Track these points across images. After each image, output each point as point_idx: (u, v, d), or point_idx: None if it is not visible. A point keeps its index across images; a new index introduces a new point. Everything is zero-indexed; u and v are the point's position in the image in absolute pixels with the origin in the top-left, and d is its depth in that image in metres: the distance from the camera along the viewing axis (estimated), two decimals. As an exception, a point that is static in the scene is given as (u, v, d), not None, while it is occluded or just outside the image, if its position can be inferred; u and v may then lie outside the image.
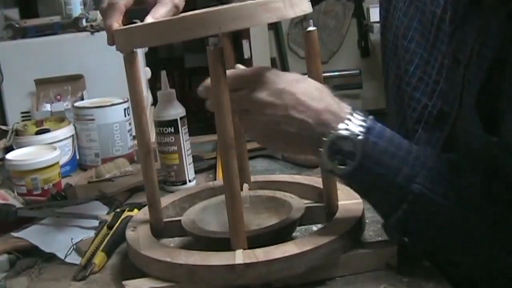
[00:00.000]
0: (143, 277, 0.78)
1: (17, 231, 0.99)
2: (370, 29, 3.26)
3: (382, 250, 0.80)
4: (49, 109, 1.52)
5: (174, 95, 1.13)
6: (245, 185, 0.91)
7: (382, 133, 0.75)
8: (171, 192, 1.09)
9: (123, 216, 0.96)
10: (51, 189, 1.16)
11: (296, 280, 0.76)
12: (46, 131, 1.32)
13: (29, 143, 1.28)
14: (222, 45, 0.74)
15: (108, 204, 1.08)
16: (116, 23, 0.82)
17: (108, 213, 1.03)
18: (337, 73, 3.23)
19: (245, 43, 3.21)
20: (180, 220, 0.89)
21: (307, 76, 0.81)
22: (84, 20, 1.68)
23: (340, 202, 0.87)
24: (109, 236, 0.92)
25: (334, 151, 0.74)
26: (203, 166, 1.26)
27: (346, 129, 0.74)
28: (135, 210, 0.98)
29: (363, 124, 0.75)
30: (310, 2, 0.80)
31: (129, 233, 0.86)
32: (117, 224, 0.95)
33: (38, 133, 1.32)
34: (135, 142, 0.95)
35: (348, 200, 0.87)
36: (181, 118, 1.12)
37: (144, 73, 1.70)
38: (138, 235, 0.85)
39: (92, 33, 1.64)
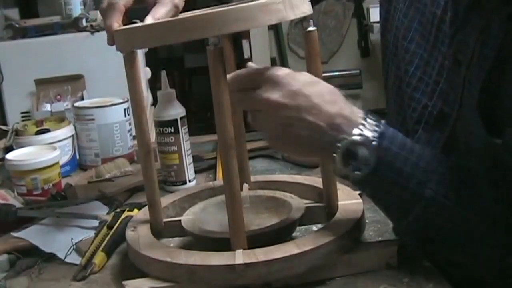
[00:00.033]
0: (143, 277, 0.78)
1: (17, 231, 0.99)
2: (370, 29, 3.26)
3: (382, 250, 0.80)
4: (49, 109, 1.52)
5: (174, 95, 1.13)
6: (245, 185, 0.91)
7: (394, 138, 0.76)
8: (171, 192, 1.10)
9: (123, 216, 0.96)
10: (51, 189, 1.16)
11: (296, 280, 0.76)
12: (46, 131, 1.32)
13: (29, 143, 1.28)
14: (222, 45, 0.74)
15: (108, 204, 1.08)
16: (116, 23, 0.82)
17: (108, 213, 1.03)
18: (337, 73, 3.22)
19: (245, 43, 3.20)
20: (180, 220, 0.89)
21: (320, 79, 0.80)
22: (84, 20, 1.68)
23: (340, 202, 0.87)
24: (109, 236, 0.92)
25: (348, 157, 0.74)
26: (203, 166, 1.26)
27: (360, 135, 0.74)
28: (135, 210, 0.98)
29: (376, 129, 0.75)
30: (310, 3, 0.80)
31: (129, 233, 0.86)
32: (117, 224, 0.95)
33: (38, 133, 1.32)
34: (135, 142, 0.95)
35: (348, 200, 0.87)
36: (181, 118, 1.12)
37: (144, 73, 1.70)
38: (138, 235, 0.85)
39: (92, 33, 1.64)
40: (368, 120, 0.75)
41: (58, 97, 1.55)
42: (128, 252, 0.86)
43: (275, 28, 3.32)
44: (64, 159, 1.29)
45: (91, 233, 0.96)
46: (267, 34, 3.30)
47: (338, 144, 0.74)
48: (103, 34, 0.87)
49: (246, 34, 3.15)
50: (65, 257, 0.91)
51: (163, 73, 1.13)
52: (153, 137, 1.16)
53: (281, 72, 0.77)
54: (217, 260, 0.75)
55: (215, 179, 1.17)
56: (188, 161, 1.14)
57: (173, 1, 0.85)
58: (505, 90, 0.72)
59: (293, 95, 0.75)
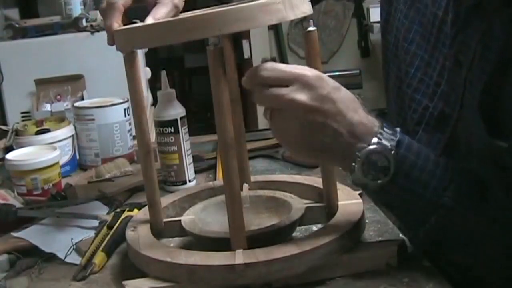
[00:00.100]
0: (143, 277, 0.78)
1: (17, 231, 0.99)
2: (370, 29, 3.26)
3: (382, 250, 0.80)
4: (49, 109, 1.53)
5: (174, 95, 1.13)
6: (245, 185, 0.91)
7: (410, 146, 0.76)
8: (171, 192, 1.09)
9: (123, 216, 0.96)
10: (51, 189, 1.16)
11: (296, 280, 0.76)
12: (46, 131, 1.32)
13: (29, 143, 1.28)
14: (222, 45, 0.74)
15: (108, 204, 1.08)
16: (116, 23, 0.82)
17: (108, 213, 1.03)
18: (337, 73, 3.22)
19: (245, 43, 3.21)
20: (180, 220, 0.89)
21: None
22: (84, 20, 1.69)
23: (340, 202, 0.87)
24: (109, 236, 0.92)
25: (368, 166, 0.74)
26: (203, 166, 1.26)
27: (379, 143, 0.74)
28: (135, 210, 0.98)
29: (393, 138, 0.75)
30: (310, 3, 0.80)
31: (129, 233, 0.86)
32: (117, 224, 0.95)
33: (38, 133, 1.32)
34: (135, 142, 0.95)
35: (348, 200, 0.87)
36: (181, 118, 1.12)
37: (144, 73, 1.70)
38: (138, 235, 0.85)
39: (92, 33, 1.64)
40: (385, 128, 0.75)
41: (58, 97, 1.55)
42: (128, 252, 0.86)
43: (275, 28, 3.32)
44: (64, 159, 1.29)
45: (91, 233, 0.96)
46: (267, 34, 3.31)
47: (358, 153, 0.74)
48: (103, 34, 0.87)
49: (246, 34, 3.16)
50: (65, 257, 0.90)
51: (163, 73, 1.13)
52: (153, 137, 1.16)
53: (311, 73, 0.74)
54: (217, 260, 0.75)
55: (215, 179, 1.17)
56: (188, 161, 1.14)
57: (173, 1, 0.85)
58: (507, 92, 0.72)
59: (322, 99, 0.73)
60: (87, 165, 1.34)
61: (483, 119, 0.74)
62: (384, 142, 0.74)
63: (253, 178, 0.99)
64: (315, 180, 0.95)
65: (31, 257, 0.91)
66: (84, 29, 1.67)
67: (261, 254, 0.74)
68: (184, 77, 4.77)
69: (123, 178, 1.23)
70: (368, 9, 3.29)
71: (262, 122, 3.00)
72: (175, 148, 1.12)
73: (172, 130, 1.11)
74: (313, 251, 0.75)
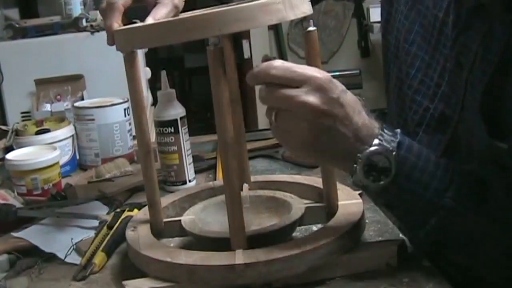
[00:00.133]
0: (143, 277, 0.78)
1: (17, 231, 0.99)
2: (370, 29, 3.26)
3: (382, 250, 0.80)
4: (49, 109, 1.53)
5: (174, 95, 1.13)
6: (245, 185, 0.91)
7: (411, 147, 0.76)
8: (171, 192, 1.09)
9: (123, 216, 0.96)
10: (51, 189, 1.16)
11: (296, 280, 0.76)
12: (46, 131, 1.32)
13: (29, 143, 1.28)
14: (222, 45, 0.74)
15: (108, 204, 1.08)
16: (116, 23, 0.82)
17: (108, 213, 1.03)
18: (337, 73, 3.22)
19: (245, 43, 3.21)
20: (180, 220, 0.89)
21: None
22: (84, 20, 1.69)
23: (340, 202, 0.87)
24: (109, 236, 0.92)
25: (369, 168, 0.74)
26: (203, 166, 1.26)
27: (380, 145, 0.74)
28: (135, 210, 0.98)
29: (394, 139, 0.75)
30: (310, 3, 0.80)
31: (129, 233, 0.86)
32: (117, 224, 0.95)
33: (38, 133, 1.32)
34: (135, 142, 0.95)
35: (348, 200, 0.87)
36: (181, 118, 1.12)
37: (144, 73, 1.70)
38: (138, 235, 0.85)
39: (92, 33, 1.64)
40: (385, 130, 0.75)
41: (58, 97, 1.55)
42: (128, 252, 0.86)
43: (275, 28, 3.32)
44: (64, 159, 1.29)
45: (91, 233, 0.96)
46: (267, 34, 3.31)
47: (359, 155, 0.74)
48: (103, 34, 0.87)
49: (246, 34, 3.16)
50: (65, 257, 0.90)
51: (163, 73, 1.13)
52: (153, 137, 1.16)
53: (322, 75, 0.73)
54: (217, 260, 0.75)
55: (215, 179, 1.17)
56: (188, 161, 1.14)
57: (173, 1, 0.85)
58: (508, 93, 0.72)
59: (333, 103, 0.72)
60: (87, 165, 1.34)
61: (483, 121, 0.74)
62: (385, 143, 0.74)
63: (253, 178, 0.99)
64: (315, 180, 0.95)
65: (31, 257, 0.91)
66: (84, 29, 1.67)
67: (261, 254, 0.74)
68: (184, 77, 4.78)
69: (123, 178, 1.23)
70: (368, 9, 3.29)
71: (262, 122, 3.00)
72: (175, 148, 1.12)
73: (172, 130, 1.11)
74: (313, 251, 0.75)
